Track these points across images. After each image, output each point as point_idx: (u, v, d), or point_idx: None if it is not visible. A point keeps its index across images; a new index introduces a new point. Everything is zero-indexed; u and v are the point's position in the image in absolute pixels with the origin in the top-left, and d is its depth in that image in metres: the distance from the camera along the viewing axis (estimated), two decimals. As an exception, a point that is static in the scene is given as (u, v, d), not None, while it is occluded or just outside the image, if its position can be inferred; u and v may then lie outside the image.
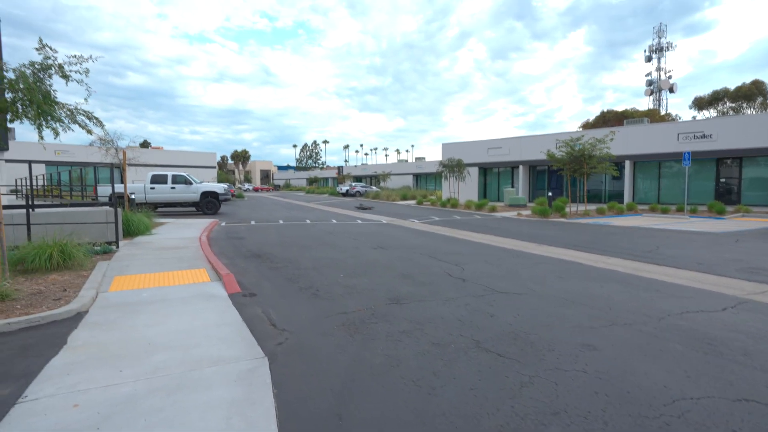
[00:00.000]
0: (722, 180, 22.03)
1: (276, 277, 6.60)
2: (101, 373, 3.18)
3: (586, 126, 49.77)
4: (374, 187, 47.43)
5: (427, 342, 3.84)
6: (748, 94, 47.87)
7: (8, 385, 3.00)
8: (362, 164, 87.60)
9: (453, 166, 26.45)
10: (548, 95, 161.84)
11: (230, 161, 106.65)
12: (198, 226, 13.28)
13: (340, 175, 66.54)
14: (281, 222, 15.94)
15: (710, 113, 50.44)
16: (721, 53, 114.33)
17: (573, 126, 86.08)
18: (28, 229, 7.62)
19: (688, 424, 2.56)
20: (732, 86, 48.84)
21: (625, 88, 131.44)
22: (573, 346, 3.76)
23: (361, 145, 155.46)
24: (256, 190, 75.66)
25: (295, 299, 5.33)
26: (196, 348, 3.64)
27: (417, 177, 54.98)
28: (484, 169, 31.38)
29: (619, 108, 53.98)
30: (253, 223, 15.57)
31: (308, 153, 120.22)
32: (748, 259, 8.14)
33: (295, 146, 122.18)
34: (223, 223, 14.97)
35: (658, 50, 59.62)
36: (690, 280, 6.43)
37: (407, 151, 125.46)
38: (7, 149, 5.55)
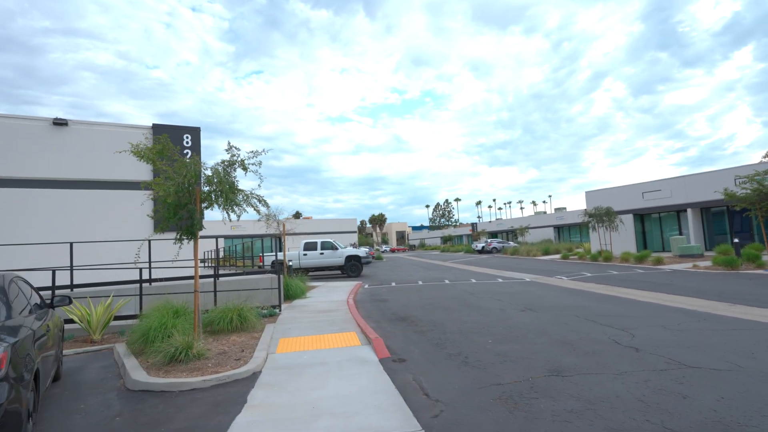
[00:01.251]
0: None
1: (422, 341, 6.56)
2: (276, 434, 3.44)
3: (773, 155, 41.08)
4: (511, 243, 45.47)
5: (602, 427, 3.30)
6: None
7: (205, 440, 3.42)
8: (496, 219, 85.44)
9: (602, 215, 24.00)
10: (712, 124, 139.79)
11: (368, 225, 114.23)
12: (344, 288, 14.20)
13: (475, 232, 65.64)
14: (420, 283, 16.12)
15: None
16: None
17: (754, 157, 71.81)
18: (214, 295, 9.07)
19: None
20: None
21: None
22: (819, 448, 2.83)
23: (494, 200, 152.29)
24: (392, 251, 78.90)
25: (444, 366, 5.17)
26: (356, 416, 3.72)
27: (558, 229, 51.18)
28: (640, 216, 27.75)
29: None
30: (393, 284, 16.06)
31: (441, 212, 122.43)
32: None
33: (427, 206, 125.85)
34: (366, 285, 15.76)
35: None
36: None
37: (544, 202, 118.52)
38: (203, 229, 6.85)
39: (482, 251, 44.07)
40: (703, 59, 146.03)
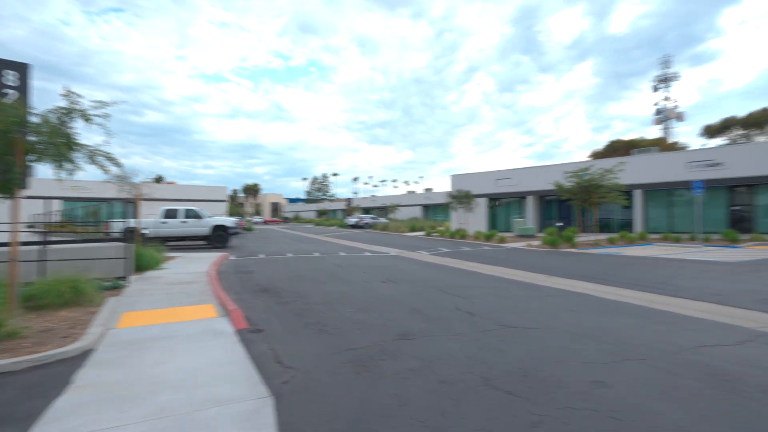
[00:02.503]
0: (735, 208, 21.73)
1: (284, 312, 6.58)
2: (105, 415, 3.17)
3: (595, 156, 49.89)
4: (383, 219, 47.59)
5: (435, 380, 3.77)
6: (759, 121, 47.78)
7: (10, 428, 2.99)
8: (371, 196, 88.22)
9: (461, 197, 26.55)
10: (556, 126, 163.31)
11: (241, 194, 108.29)
12: (207, 260, 13.38)
13: (349, 207, 67.05)
14: (290, 255, 16.00)
15: (720, 141, 50.28)
16: (728, 82, 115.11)
17: (582, 156, 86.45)
18: (42, 266, 7.76)
19: (707, 469, 2.46)
20: (740, 114, 48.87)
21: (632, 117, 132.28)
22: (584, 383, 3.66)
23: (370, 177, 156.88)
24: (266, 222, 76.35)
25: (303, 335, 5.29)
26: (201, 388, 3.61)
27: (426, 208, 55.16)
28: (493, 200, 31.41)
29: (627, 137, 54.26)
30: (262, 256, 15.64)
31: (318, 185, 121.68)
32: (765, 290, 7.94)
33: (305, 179, 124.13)
34: (233, 257, 15.07)
35: (665, 80, 60.30)
36: (705, 312, 6.27)
37: (416, 182, 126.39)
38: (26, 188, 5.74)
39: (355, 226, 45.33)
40: (554, 67, 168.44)
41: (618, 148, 46.17)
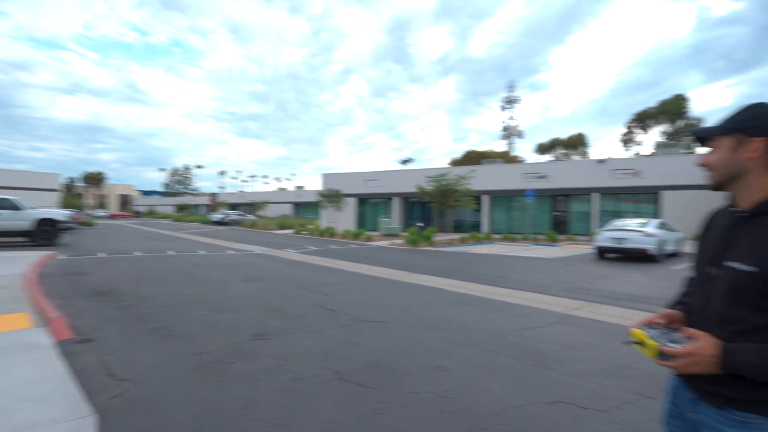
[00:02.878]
0: (556, 213, 26.14)
1: (123, 318, 5.84)
2: None
3: (454, 163, 55.06)
4: (251, 216, 45.49)
5: (288, 378, 3.75)
6: (575, 143, 58.34)
7: None
8: (239, 191, 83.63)
9: (332, 196, 26.84)
10: (422, 133, 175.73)
11: (81, 184, 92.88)
12: (27, 260, 11.14)
13: (214, 203, 62.52)
14: (138, 254, 14.25)
15: (549, 157, 59.95)
16: (555, 109, 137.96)
17: (443, 162, 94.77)
18: None
19: (512, 429, 2.91)
20: (564, 136, 59.09)
21: (485, 131, 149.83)
22: (427, 369, 4.02)
23: (239, 172, 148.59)
24: (112, 216, 66.73)
25: (143, 342, 4.76)
26: (2, 414, 3.00)
27: (297, 206, 54.37)
28: (362, 200, 32.44)
29: (481, 149, 61.10)
30: (102, 255, 13.63)
31: (178, 177, 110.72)
32: (572, 280, 9.71)
33: (163, 170, 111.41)
34: (63, 256, 12.82)
35: (510, 102, 69.41)
36: (529, 300, 7.41)
37: (288, 179, 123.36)
38: None
39: (220, 223, 42.43)
40: (422, 79, 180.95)
41: (472, 158, 51.72)
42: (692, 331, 1.20)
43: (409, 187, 26.29)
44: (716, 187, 1.31)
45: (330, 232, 25.25)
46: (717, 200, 1.31)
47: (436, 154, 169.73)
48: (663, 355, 1.21)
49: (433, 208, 21.17)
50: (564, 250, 17.82)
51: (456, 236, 22.93)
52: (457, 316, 6.22)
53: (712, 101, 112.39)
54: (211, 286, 8.31)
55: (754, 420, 1.13)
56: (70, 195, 72.24)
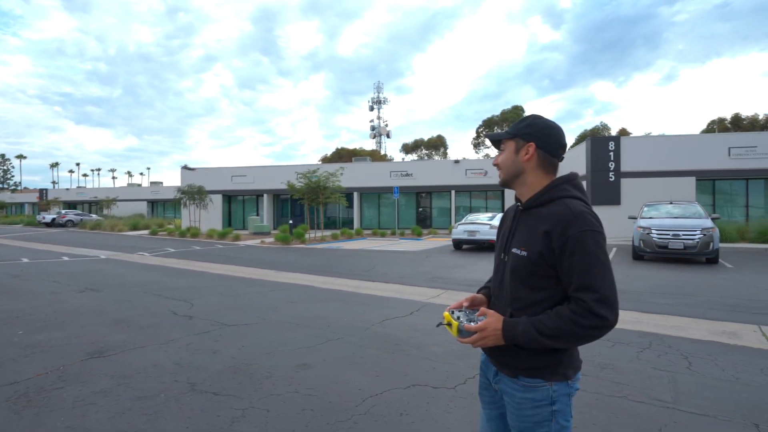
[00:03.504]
0: (420, 209, 28.15)
1: None
2: None
3: (325, 160, 55.25)
4: (94, 216, 39.38)
5: (130, 398, 3.35)
6: (436, 144, 63.44)
7: None
8: (78, 187, 71.66)
9: (194, 193, 24.71)
10: (294, 129, 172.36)
11: None
12: None
13: (43, 200, 52.28)
14: (-74, 266, 11.24)
15: (413, 156, 64.12)
16: (419, 112, 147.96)
17: (315, 159, 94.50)
18: None
19: (372, 417, 3.06)
20: (426, 137, 63.75)
21: (355, 130, 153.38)
22: (290, 369, 3.98)
23: (78, 165, 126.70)
24: None
25: (-73, 378, 3.78)
26: None
27: (153, 204, 48.71)
28: (229, 197, 30.56)
29: (351, 146, 62.39)
30: None
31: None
32: (432, 270, 10.57)
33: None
34: None
35: (378, 102, 72.24)
36: (394, 291, 7.84)
37: (142, 174, 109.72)
38: None
39: (52, 224, 35.90)
40: (292, 74, 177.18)
41: (343, 155, 52.56)
42: (484, 309, 1.41)
43: (279, 184, 25.57)
44: (503, 184, 1.53)
45: (193, 232, 23.23)
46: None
47: (307, 150, 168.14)
48: (462, 333, 1.38)
49: (305, 204, 20.97)
50: (427, 243, 19.26)
51: (328, 233, 23.08)
52: (323, 312, 6.27)
53: (542, 113, 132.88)
54: (36, 301, 6.98)
55: (538, 384, 1.36)
56: None
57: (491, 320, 1.36)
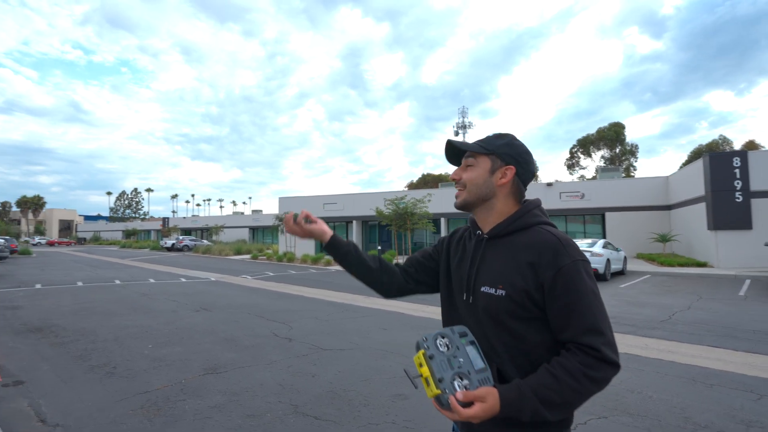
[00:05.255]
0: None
1: (59, 355, 5.40)
2: None
3: (411, 186, 55.96)
4: (205, 241, 43.87)
5: (241, 414, 3.58)
6: (526, 166, 60.97)
7: None
8: (192, 216, 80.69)
9: (290, 220, 26.42)
10: (379, 157, 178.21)
11: (16, 209, 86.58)
12: (-52, 294, 10.14)
13: (165, 228, 59.74)
14: (80, 284, 13.32)
15: (502, 180, 62.18)
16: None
17: (400, 185, 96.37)
18: None
19: None
20: (515, 160, 61.77)
21: (440, 155, 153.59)
22: (387, 398, 3.96)
23: (193, 195, 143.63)
24: (51, 244, 62.33)
25: (81, 382, 4.41)
26: None
27: (253, 231, 53.02)
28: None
29: (436, 172, 62.55)
30: (38, 286, 12.63)
31: (127, 202, 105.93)
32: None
33: (109, 193, 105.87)
34: (-9, 289, 11.77)
35: (462, 127, 71.80)
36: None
37: (244, 203, 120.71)
38: None
39: (172, 249, 40.61)
40: (378, 104, 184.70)
41: (429, 181, 52.83)
42: (482, 392, 0.99)
43: (368, 211, 26.36)
44: (464, 205, 1.26)
45: (289, 257, 24.74)
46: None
47: (393, 177, 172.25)
48: (442, 402, 0.99)
49: (392, 230, 21.29)
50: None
51: (415, 259, 23.04)
52: (415, 339, 6.19)
53: (643, 129, 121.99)
54: (160, 318, 7.87)
55: None
56: (4, 221, 66.87)
57: (490, 406, 0.99)
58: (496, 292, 1.12)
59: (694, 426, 3.33)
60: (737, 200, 16.64)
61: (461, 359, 1.04)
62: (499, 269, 1.15)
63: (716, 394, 3.98)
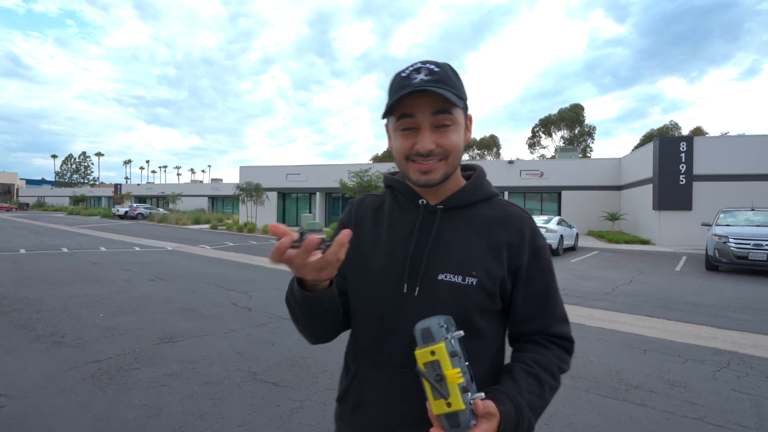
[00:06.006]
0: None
1: (1, 325, 5.13)
2: None
3: (376, 159, 55.81)
4: (161, 209, 42.21)
5: (197, 382, 3.57)
6: (489, 144, 62.14)
7: None
8: (148, 183, 77.08)
9: (251, 190, 25.79)
10: (345, 128, 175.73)
11: (-56, 170, 79.88)
12: None
13: (118, 195, 56.87)
14: (23, 251, 12.58)
15: (465, 157, 63.21)
16: (471, 111, 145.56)
17: (366, 158, 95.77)
18: None
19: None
20: (478, 137, 62.56)
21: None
22: (344, 365, 4.05)
23: (147, 162, 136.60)
24: (-12, 209, 58.02)
25: (27, 352, 4.23)
26: None
27: (213, 200, 51.46)
28: (283, 194, 31.62)
29: (402, 145, 62.65)
30: (-26, 254, 11.82)
31: (74, 166, 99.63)
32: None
33: (55, 156, 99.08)
34: None
35: (430, 101, 71.94)
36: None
37: (203, 171, 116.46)
38: None
39: (125, 216, 38.88)
40: (345, 74, 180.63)
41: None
42: (490, 406, 0.75)
43: (332, 182, 26.09)
44: (443, 182, 0.89)
45: (250, 228, 24.28)
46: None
47: (359, 150, 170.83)
48: (460, 422, 0.71)
49: (356, 203, 21.30)
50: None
51: (378, 232, 23.23)
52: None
53: (602, 112, 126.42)
54: (112, 287, 7.60)
55: None
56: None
57: (493, 426, 0.75)
58: (464, 280, 0.86)
59: (627, 386, 3.64)
60: (681, 183, 17.73)
61: (466, 362, 0.76)
62: (467, 251, 0.89)
63: (648, 359, 4.35)
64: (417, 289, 0.88)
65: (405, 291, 0.89)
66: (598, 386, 3.64)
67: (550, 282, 0.93)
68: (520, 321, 0.93)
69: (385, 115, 0.90)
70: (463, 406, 0.70)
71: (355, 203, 1.07)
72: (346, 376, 1.01)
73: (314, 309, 0.85)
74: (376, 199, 1.05)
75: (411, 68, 0.87)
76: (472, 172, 1.01)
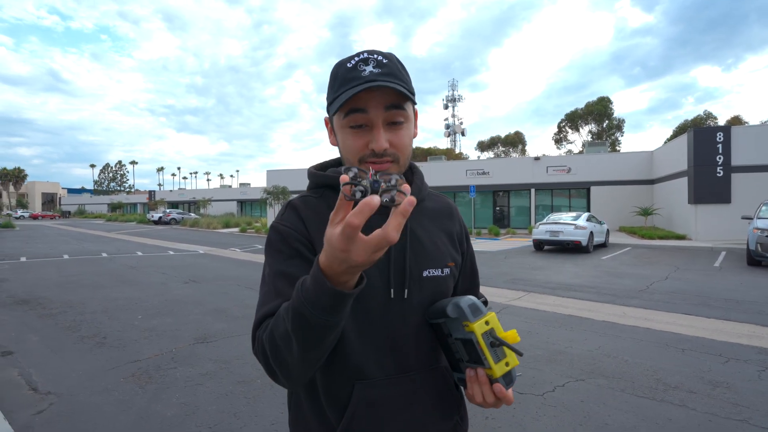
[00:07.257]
0: (497, 208, 27.28)
1: (47, 327, 5.41)
2: None
3: (400, 159, 55.56)
4: (193, 214, 43.51)
5: (231, 382, 3.67)
6: (514, 141, 61.09)
7: None
8: (179, 189, 79.51)
9: (278, 193, 26.24)
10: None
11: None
12: (-71, 267, 9.99)
13: (152, 201, 58.90)
14: (66, 257, 13.21)
15: (489, 154, 62.41)
16: (494, 108, 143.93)
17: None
18: None
19: (455, 419, 3.04)
20: (503, 134, 61.67)
21: (429, 129, 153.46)
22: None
23: (179, 168, 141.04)
24: (34, 217, 61.29)
25: (71, 352, 4.45)
26: None
27: (241, 204, 52.59)
28: (310, 197, 32.02)
29: (425, 146, 62.24)
30: (23, 259, 12.49)
31: (111, 175, 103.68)
32: (512, 271, 10.21)
33: (93, 166, 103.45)
34: (-26, 263, 11.61)
35: (452, 100, 71.31)
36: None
37: (232, 176, 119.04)
38: None
39: (159, 222, 40.21)
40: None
41: (417, 155, 52.56)
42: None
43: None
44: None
45: (277, 230, 24.68)
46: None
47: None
48: (513, 377, 0.78)
49: (381, 204, 21.35)
50: (505, 243, 18.63)
51: (404, 232, 23.23)
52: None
53: (631, 104, 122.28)
54: (149, 290, 7.89)
55: None
56: (-17, 194, 65.24)
57: None
58: (443, 272, 0.88)
59: (665, 386, 3.52)
60: (718, 174, 16.97)
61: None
62: (435, 244, 0.91)
63: (687, 358, 4.19)
64: (406, 291, 0.84)
65: (393, 297, 0.83)
66: (633, 386, 3.54)
67: (474, 257, 1.06)
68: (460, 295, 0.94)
69: (333, 110, 0.82)
70: (517, 362, 0.77)
71: (296, 206, 0.87)
72: (335, 408, 0.83)
73: (340, 318, 0.65)
74: (316, 201, 0.89)
75: (357, 59, 0.82)
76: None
